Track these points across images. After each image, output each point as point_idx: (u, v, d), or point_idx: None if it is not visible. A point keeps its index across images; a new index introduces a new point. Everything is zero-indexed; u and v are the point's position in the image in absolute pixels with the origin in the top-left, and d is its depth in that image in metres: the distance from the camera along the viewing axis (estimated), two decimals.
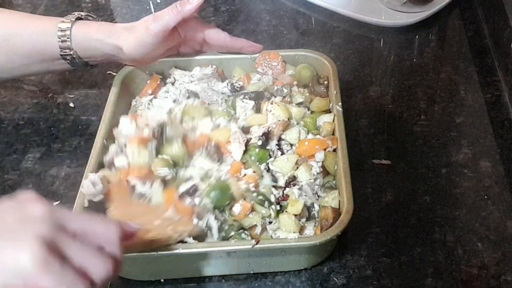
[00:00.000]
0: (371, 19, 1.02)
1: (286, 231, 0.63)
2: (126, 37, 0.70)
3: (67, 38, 0.71)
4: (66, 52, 0.72)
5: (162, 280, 0.65)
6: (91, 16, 0.75)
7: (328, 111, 0.77)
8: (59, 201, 0.74)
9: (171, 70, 0.83)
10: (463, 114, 0.85)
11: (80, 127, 0.85)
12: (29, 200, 0.45)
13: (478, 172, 0.76)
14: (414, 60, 0.96)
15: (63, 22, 0.71)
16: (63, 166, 0.79)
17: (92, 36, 0.71)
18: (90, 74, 0.94)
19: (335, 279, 0.65)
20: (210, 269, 0.64)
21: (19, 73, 0.79)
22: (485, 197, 0.73)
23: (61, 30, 0.71)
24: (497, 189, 0.74)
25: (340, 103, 0.74)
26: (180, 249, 0.59)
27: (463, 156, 0.79)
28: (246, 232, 0.64)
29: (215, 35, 0.74)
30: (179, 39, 0.74)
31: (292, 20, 1.06)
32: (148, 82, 0.82)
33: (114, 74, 0.82)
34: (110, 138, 0.71)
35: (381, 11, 1.04)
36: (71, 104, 0.89)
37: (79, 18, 0.73)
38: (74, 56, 0.72)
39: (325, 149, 0.70)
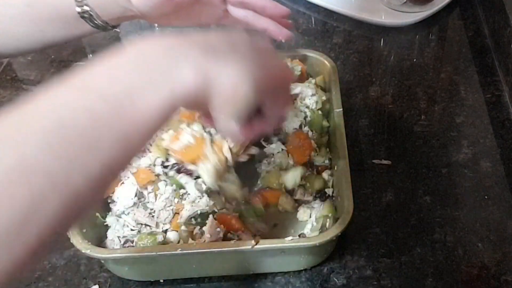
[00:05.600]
0: (371, 19, 1.02)
1: None
2: None
3: None
4: (83, 9, 0.68)
5: (161, 281, 0.65)
6: None
7: None
8: None
9: None
10: (463, 114, 0.85)
11: None
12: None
13: (478, 172, 0.76)
14: (414, 60, 0.96)
15: None
16: None
17: None
18: None
19: (335, 279, 0.65)
20: (210, 269, 0.64)
21: (49, 41, 0.73)
22: (486, 197, 0.73)
23: None
24: (497, 189, 0.74)
25: (340, 103, 0.74)
26: (180, 249, 0.59)
27: (463, 156, 0.79)
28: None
29: (237, 4, 0.71)
30: None
31: (292, 20, 1.05)
32: None
33: None
34: None
35: (381, 11, 1.03)
36: None
37: None
38: (92, 13, 0.68)
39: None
